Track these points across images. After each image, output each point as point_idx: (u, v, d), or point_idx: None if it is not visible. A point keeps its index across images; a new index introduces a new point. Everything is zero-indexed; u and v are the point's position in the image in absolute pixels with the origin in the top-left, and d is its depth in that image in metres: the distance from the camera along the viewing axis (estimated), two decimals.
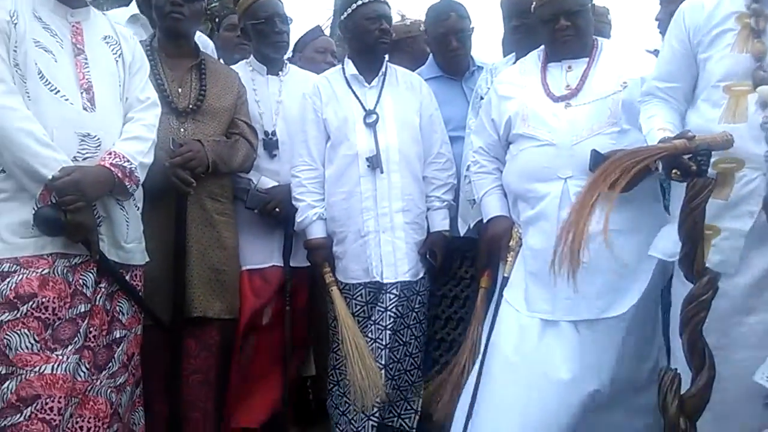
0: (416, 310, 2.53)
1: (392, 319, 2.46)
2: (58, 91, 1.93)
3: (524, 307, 2.20)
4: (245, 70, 2.70)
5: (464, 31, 2.75)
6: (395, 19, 3.11)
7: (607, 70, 2.23)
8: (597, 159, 2.07)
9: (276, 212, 2.56)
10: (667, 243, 1.94)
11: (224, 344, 2.45)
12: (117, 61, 2.09)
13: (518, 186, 2.27)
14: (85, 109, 1.96)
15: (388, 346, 2.45)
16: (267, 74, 2.71)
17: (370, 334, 2.47)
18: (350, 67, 2.59)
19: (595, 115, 2.16)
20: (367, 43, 2.54)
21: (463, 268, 2.67)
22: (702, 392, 1.58)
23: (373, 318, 2.48)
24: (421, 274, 2.55)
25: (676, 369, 1.65)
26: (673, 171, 1.70)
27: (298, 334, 2.66)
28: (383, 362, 2.44)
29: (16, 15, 1.92)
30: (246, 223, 2.56)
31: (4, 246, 1.89)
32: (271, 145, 2.62)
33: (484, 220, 2.40)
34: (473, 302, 2.51)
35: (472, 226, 2.53)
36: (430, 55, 2.89)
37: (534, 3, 2.29)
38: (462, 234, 2.59)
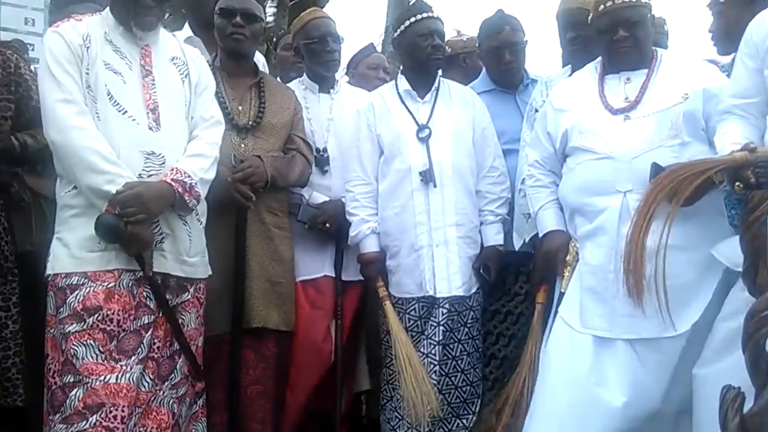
0: (468, 325, 2.51)
1: (443, 334, 2.45)
2: (126, 111, 2.02)
3: (578, 323, 2.16)
4: (298, 88, 2.76)
5: (518, 44, 2.74)
6: (451, 34, 3.13)
7: (667, 82, 2.18)
8: (657, 172, 2.03)
9: (326, 227, 2.60)
10: (732, 251, 1.88)
11: (281, 356, 2.48)
12: (183, 81, 2.16)
13: (575, 200, 2.24)
14: (150, 128, 2.04)
15: (439, 361, 2.44)
16: (319, 92, 2.76)
17: (422, 349, 2.47)
18: (403, 83, 2.62)
19: (655, 127, 2.12)
20: (420, 60, 2.57)
21: (517, 283, 2.63)
22: (765, 411, 1.51)
23: (425, 333, 2.48)
24: (474, 289, 2.54)
25: (739, 387, 1.58)
26: (736, 184, 1.65)
27: (347, 348, 2.67)
28: (435, 377, 2.43)
29: (89, 39, 2.02)
30: (298, 235, 2.60)
31: (73, 260, 1.97)
32: (322, 161, 2.67)
33: (540, 235, 2.37)
34: (527, 318, 2.48)
35: (527, 240, 2.51)
36: (483, 69, 2.89)
37: (591, 14, 2.27)
38: (517, 249, 2.57)
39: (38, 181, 2.28)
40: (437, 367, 2.45)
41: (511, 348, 2.59)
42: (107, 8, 2.11)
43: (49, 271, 2.00)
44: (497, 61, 2.74)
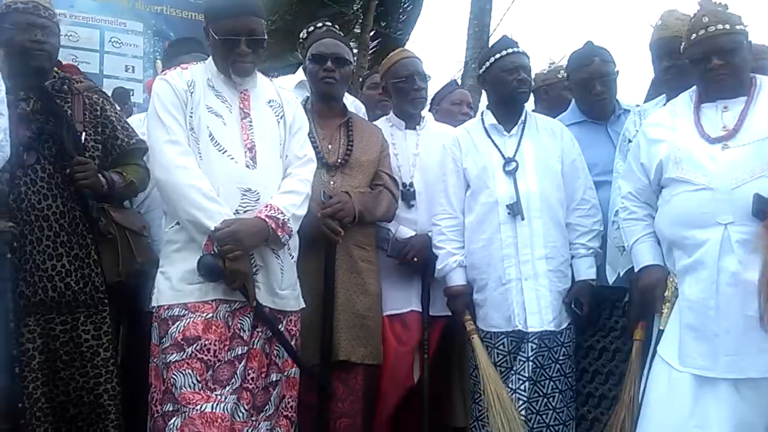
0: (560, 362, 2.45)
1: (532, 370, 2.40)
2: (225, 150, 2.13)
3: (677, 362, 2.06)
4: (385, 125, 2.83)
5: (608, 75, 2.72)
6: (544, 66, 3.13)
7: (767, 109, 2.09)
8: (761, 204, 1.95)
9: (414, 261, 2.61)
10: None
11: (369, 390, 2.49)
12: (279, 122, 2.27)
13: (673, 233, 2.15)
14: (247, 166, 2.14)
15: (528, 398, 2.38)
16: (405, 128, 2.81)
17: (511, 385, 2.42)
18: (489, 117, 2.63)
19: (756, 156, 2.03)
20: (506, 94, 2.58)
21: (612, 318, 2.55)
22: None
23: (514, 368, 2.43)
24: (565, 324, 2.47)
25: None
26: None
27: (434, 383, 2.65)
28: (524, 414, 2.37)
29: (193, 85, 2.16)
30: (385, 269, 2.63)
31: (175, 293, 2.08)
32: (408, 195, 2.70)
33: (636, 269, 2.29)
34: (624, 355, 2.39)
35: (621, 274, 2.43)
36: (573, 101, 2.86)
37: (684, 43, 2.21)
38: (611, 282, 2.49)
39: (123, 215, 2.42)
40: (527, 404, 2.39)
41: (608, 386, 2.49)
42: (210, 57, 2.26)
43: (153, 303, 2.12)
44: (587, 92, 2.72)
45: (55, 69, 2.38)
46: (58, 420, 2.21)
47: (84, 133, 2.33)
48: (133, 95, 4.74)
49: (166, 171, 2.08)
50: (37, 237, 2.19)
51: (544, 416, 2.42)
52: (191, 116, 2.13)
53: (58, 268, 2.21)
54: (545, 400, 2.42)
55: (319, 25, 3.33)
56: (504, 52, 2.57)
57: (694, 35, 2.15)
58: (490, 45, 3.46)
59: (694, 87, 2.24)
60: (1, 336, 2.09)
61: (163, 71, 2.36)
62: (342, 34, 2.92)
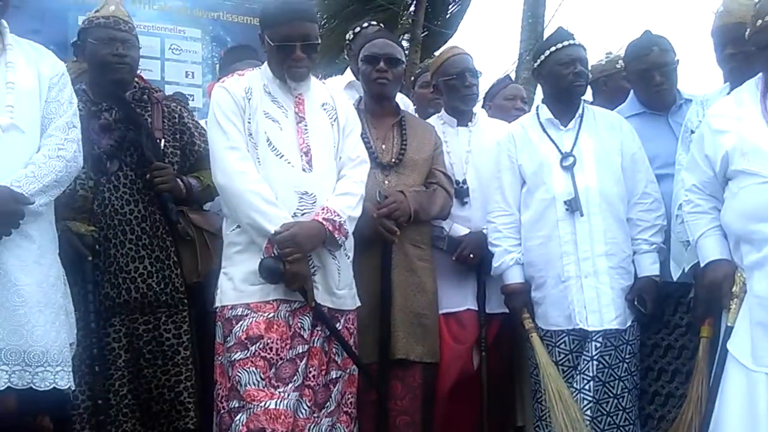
0: (626, 360, 2.40)
1: (598, 369, 2.35)
2: (282, 155, 2.18)
3: (750, 361, 1.99)
4: (437, 123, 2.82)
5: (668, 65, 2.63)
6: (601, 57, 3.05)
7: None
8: None
9: (471, 258, 2.60)
10: None
11: (427, 388, 2.50)
12: (332, 125, 2.31)
13: (741, 227, 2.08)
14: (303, 170, 2.19)
15: (594, 397, 2.34)
16: (457, 126, 2.80)
17: (575, 384, 2.38)
18: (545, 112, 2.59)
19: None
20: (562, 88, 2.54)
21: (677, 315, 2.47)
22: None
23: (578, 367, 2.39)
24: (630, 322, 2.42)
25: None
26: None
27: (494, 381, 2.64)
28: (590, 414, 2.33)
29: (250, 91, 2.22)
30: (441, 268, 2.63)
31: (237, 293, 2.15)
32: (462, 193, 2.69)
33: (702, 264, 2.21)
34: (691, 353, 2.33)
35: (686, 269, 2.35)
36: (631, 92, 2.79)
37: (749, 29, 2.12)
38: (675, 278, 2.42)
39: (201, 217, 2.52)
40: (595, 404, 2.35)
41: (675, 384, 2.43)
42: (265, 63, 2.31)
43: (217, 303, 2.20)
44: (647, 83, 2.64)
45: (135, 79, 2.49)
46: (143, 416, 2.33)
47: (163, 140, 2.44)
48: (192, 100, 4.88)
49: (227, 176, 2.15)
50: (120, 240, 2.31)
51: (614, 417, 2.37)
52: (249, 122, 2.19)
53: (141, 270, 2.32)
54: (615, 401, 2.37)
55: (365, 25, 3.35)
56: (559, 45, 2.53)
57: (760, 21, 2.06)
58: (544, 37, 3.41)
59: (760, 75, 2.14)
60: (86, 335, 2.22)
61: (220, 78, 2.44)
62: (390, 32, 2.93)
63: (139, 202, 2.35)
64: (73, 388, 2.04)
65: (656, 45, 2.62)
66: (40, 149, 2.02)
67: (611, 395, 2.37)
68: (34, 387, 1.90)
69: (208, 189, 2.44)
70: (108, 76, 2.37)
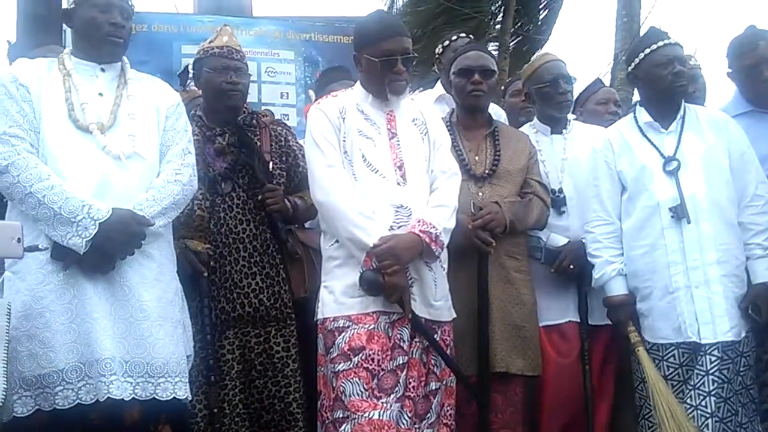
0: (741, 373, 2.27)
1: (716, 384, 2.24)
2: (377, 170, 2.25)
3: None
4: (530, 132, 2.79)
5: None
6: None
7: None
8: None
9: (571, 269, 2.55)
10: None
11: (529, 401, 2.47)
12: (423, 139, 2.35)
13: None
14: (398, 184, 2.25)
15: (714, 414, 2.22)
16: (551, 134, 2.76)
17: (689, 401, 2.27)
18: (643, 115, 2.50)
19: None
20: (662, 90, 2.44)
21: None
22: None
23: (691, 382, 2.28)
24: (745, 333, 2.28)
25: None
26: None
27: (600, 395, 2.57)
28: None
29: (345, 111, 2.30)
30: (539, 279, 2.59)
31: (338, 306, 2.21)
32: (558, 202, 2.65)
33: None
34: None
35: None
36: (735, 91, 2.65)
37: None
38: None
39: (306, 235, 2.64)
40: (712, 421, 2.23)
41: None
42: (357, 83, 2.40)
43: (319, 316, 2.27)
44: (754, 79, 2.52)
45: (244, 105, 2.63)
46: (254, 425, 2.43)
47: (271, 163, 2.57)
48: (288, 120, 5.08)
49: (326, 193, 2.23)
50: (234, 258, 2.45)
51: None
52: (344, 140, 2.27)
53: (253, 285, 2.45)
54: (735, 418, 2.24)
55: (454, 37, 3.37)
56: (654, 46, 2.44)
57: None
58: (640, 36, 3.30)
59: None
60: (202, 347, 2.35)
61: (316, 100, 2.53)
62: (478, 41, 2.93)
63: (251, 222, 2.48)
64: (190, 398, 2.14)
65: (763, 39, 2.50)
66: (159, 174, 2.17)
67: (732, 412, 2.25)
68: (156, 398, 2.00)
69: (311, 208, 2.53)
70: (222, 102, 2.52)
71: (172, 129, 2.23)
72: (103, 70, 2.19)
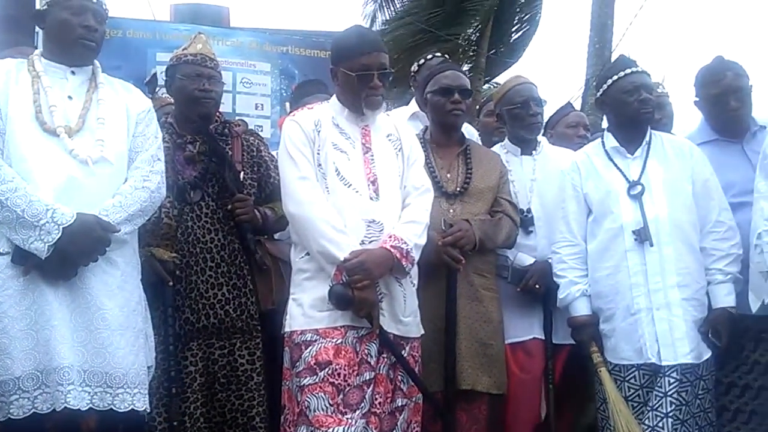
0: (700, 396, 2.31)
1: (674, 406, 2.27)
2: (351, 184, 2.25)
3: None
4: (501, 152, 2.83)
5: (743, 90, 2.56)
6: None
7: None
8: None
9: (536, 288, 2.58)
10: None
11: (494, 419, 2.48)
12: (397, 155, 2.36)
13: None
14: (371, 198, 2.25)
15: None
16: (521, 154, 2.81)
17: (647, 422, 2.30)
18: (610, 140, 2.57)
19: None
20: (628, 116, 2.51)
21: (757, 351, 2.37)
22: None
23: (650, 404, 2.32)
24: (705, 357, 2.33)
25: None
26: None
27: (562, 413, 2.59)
28: None
29: (320, 124, 2.30)
30: (506, 297, 2.61)
31: (306, 319, 2.20)
32: (527, 221, 2.68)
33: None
34: None
35: (767, 302, 2.26)
36: (702, 119, 2.72)
37: None
38: (754, 311, 2.32)
39: (275, 246, 2.61)
40: None
41: (751, 426, 2.32)
42: (333, 96, 2.40)
43: (286, 328, 2.25)
44: (720, 109, 2.58)
45: (216, 114, 2.61)
46: None
47: (242, 173, 2.55)
48: (262, 131, 5.06)
49: (298, 205, 2.22)
50: (201, 267, 2.41)
51: None
52: (319, 153, 2.26)
53: (219, 296, 2.42)
54: None
55: (429, 56, 3.41)
56: (621, 73, 2.50)
57: None
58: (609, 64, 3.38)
59: None
60: (164, 358, 2.31)
61: (291, 112, 2.53)
62: (453, 62, 2.97)
63: (219, 231, 2.45)
64: (149, 411, 2.10)
65: (730, 70, 2.57)
66: (126, 180, 2.14)
67: None
68: (114, 408, 1.97)
69: (281, 219, 2.52)
70: (194, 110, 2.50)
71: (141, 135, 2.21)
72: (73, 73, 2.17)
